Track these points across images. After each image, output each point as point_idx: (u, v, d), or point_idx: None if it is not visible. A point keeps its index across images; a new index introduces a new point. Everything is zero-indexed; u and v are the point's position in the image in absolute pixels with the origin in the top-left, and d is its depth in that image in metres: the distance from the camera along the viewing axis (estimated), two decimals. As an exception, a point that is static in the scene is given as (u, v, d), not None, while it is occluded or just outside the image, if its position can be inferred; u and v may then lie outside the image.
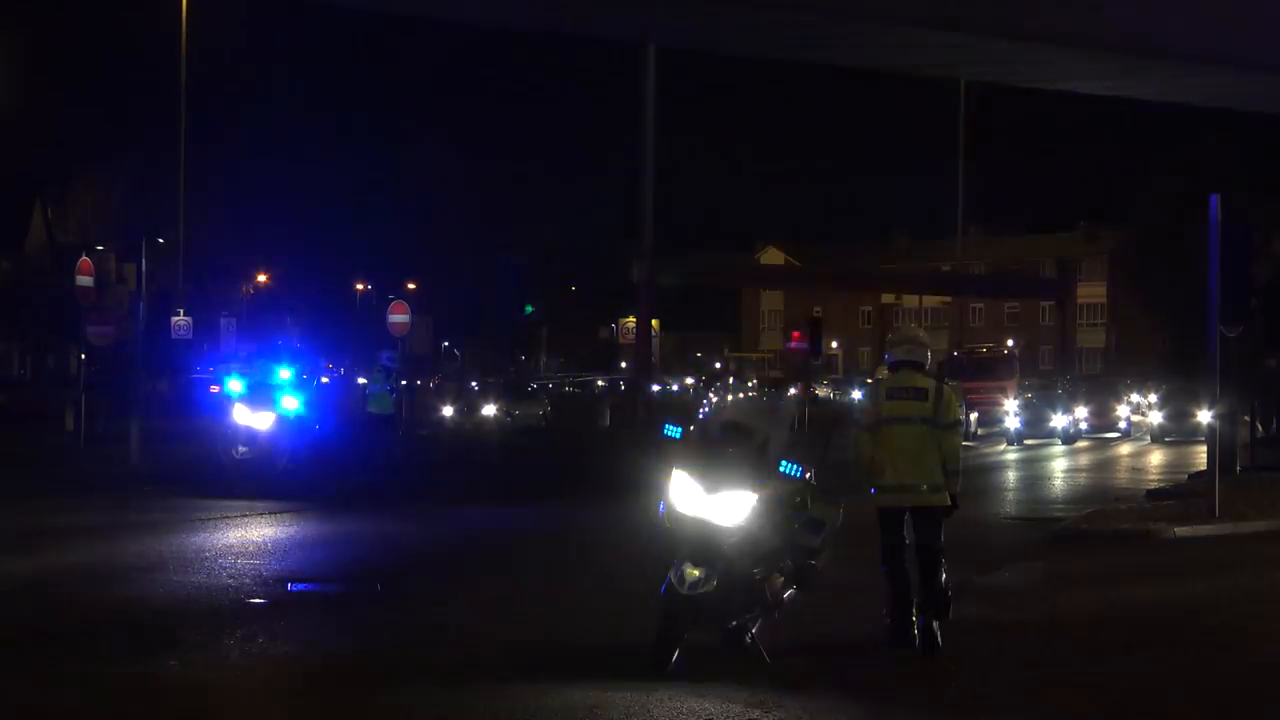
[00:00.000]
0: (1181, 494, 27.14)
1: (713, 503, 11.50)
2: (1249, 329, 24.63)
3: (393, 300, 49.30)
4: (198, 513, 22.37)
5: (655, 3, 34.88)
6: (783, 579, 12.02)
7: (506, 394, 60.73)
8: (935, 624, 12.33)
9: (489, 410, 57.17)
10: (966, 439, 53.50)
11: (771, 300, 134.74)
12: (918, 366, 12.83)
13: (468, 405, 57.86)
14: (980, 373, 63.79)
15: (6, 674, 11.36)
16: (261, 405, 31.02)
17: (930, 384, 12.73)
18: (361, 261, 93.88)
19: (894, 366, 12.91)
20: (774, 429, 12.28)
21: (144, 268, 42.82)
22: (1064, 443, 53.00)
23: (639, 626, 11.92)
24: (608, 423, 58.42)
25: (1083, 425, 58.38)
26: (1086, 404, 60.79)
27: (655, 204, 46.87)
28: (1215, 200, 22.49)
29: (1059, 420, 55.46)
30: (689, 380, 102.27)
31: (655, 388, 47.69)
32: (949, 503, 12.56)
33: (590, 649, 12.32)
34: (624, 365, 65.53)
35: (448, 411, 56.23)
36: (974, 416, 56.33)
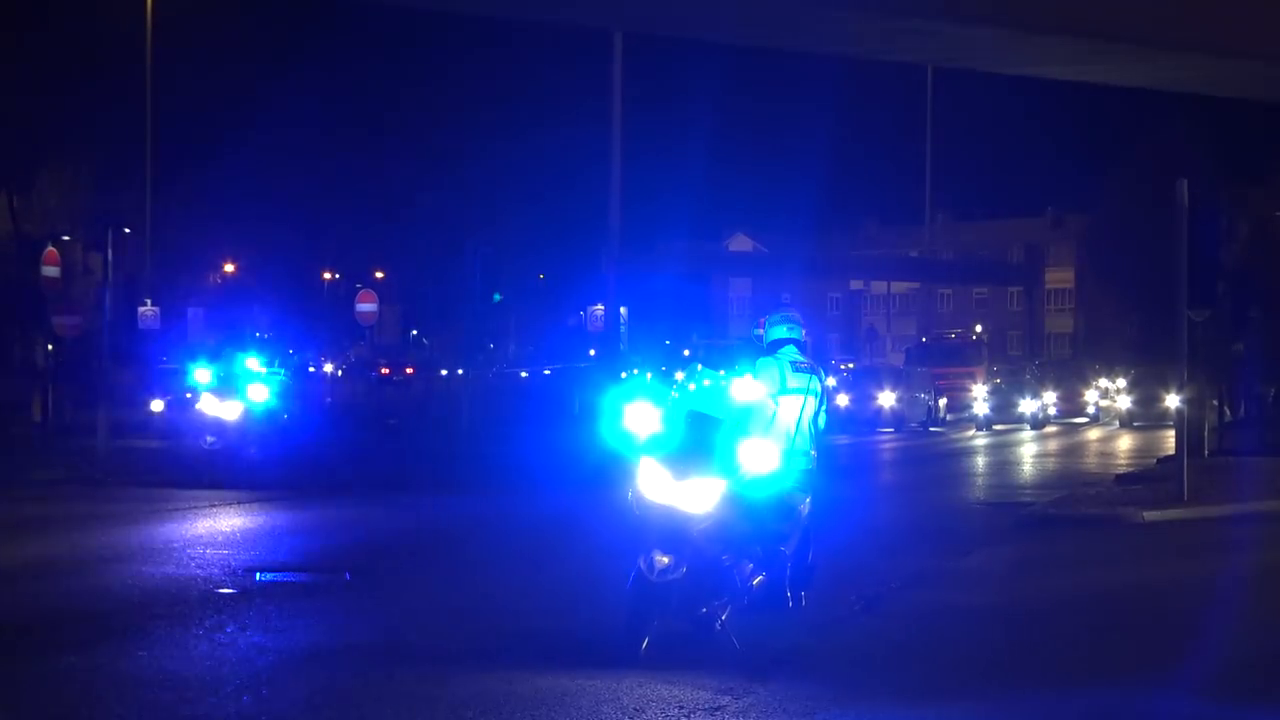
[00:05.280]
0: (1150, 478, 27.23)
1: (681, 490, 11.47)
2: (1216, 313, 24.73)
3: (360, 289, 48.98)
4: (166, 503, 22.30)
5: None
6: (751, 565, 12.01)
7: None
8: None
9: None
10: (935, 424, 53.97)
11: (740, 287, 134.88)
12: (800, 345, 12.98)
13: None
14: (949, 358, 63.98)
15: (-28, 666, 11.31)
16: (229, 395, 30.94)
17: (810, 361, 13.04)
18: (330, 251, 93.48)
19: (781, 344, 12.96)
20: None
21: (110, 257, 42.56)
22: (1033, 428, 53.19)
23: (608, 614, 11.90)
24: (578, 410, 58.03)
25: (1051, 410, 58.66)
26: (1055, 389, 61.10)
27: (623, 191, 46.83)
28: (1182, 185, 22.55)
29: (1028, 405, 55.67)
30: (660, 369, 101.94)
31: (623, 374, 47.39)
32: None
33: (560, 637, 12.29)
34: (592, 352, 65.28)
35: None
36: (943, 402, 56.51)
